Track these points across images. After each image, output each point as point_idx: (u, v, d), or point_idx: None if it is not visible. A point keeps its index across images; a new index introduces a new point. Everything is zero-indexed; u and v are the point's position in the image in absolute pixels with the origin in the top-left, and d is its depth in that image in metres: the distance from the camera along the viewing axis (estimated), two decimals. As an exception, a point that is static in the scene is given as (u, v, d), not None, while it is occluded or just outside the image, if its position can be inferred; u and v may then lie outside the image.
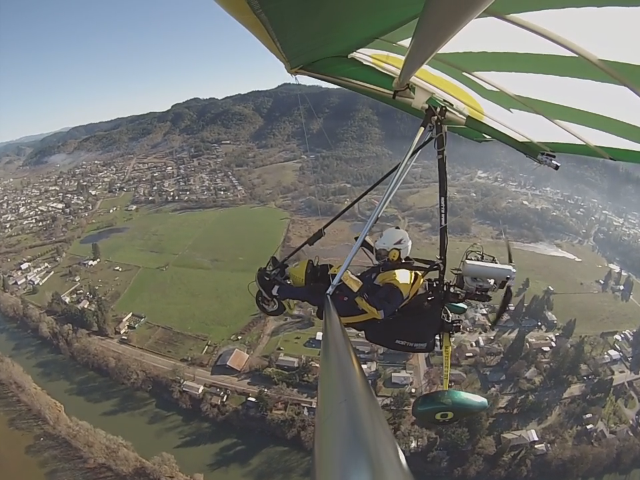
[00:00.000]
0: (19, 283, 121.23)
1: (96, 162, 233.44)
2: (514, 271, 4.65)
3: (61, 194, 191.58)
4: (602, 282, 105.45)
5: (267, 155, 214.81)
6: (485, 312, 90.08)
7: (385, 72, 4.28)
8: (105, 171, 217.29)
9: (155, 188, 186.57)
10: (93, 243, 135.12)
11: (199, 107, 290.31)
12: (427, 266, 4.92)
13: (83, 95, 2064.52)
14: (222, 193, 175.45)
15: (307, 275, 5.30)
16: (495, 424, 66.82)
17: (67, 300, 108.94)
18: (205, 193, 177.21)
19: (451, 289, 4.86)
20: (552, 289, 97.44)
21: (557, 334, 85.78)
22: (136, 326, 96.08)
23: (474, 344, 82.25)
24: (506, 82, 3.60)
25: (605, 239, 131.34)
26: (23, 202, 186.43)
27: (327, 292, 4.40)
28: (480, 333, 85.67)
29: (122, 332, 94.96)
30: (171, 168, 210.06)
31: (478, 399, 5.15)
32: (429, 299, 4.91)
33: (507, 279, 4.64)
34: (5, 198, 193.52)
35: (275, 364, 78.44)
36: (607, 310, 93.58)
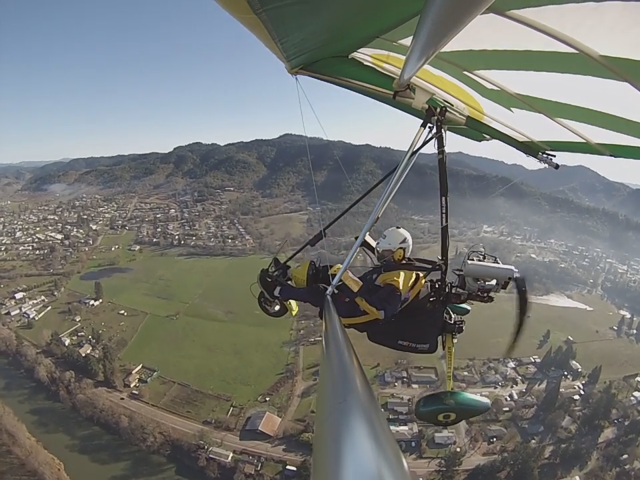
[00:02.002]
0: (12, 313, 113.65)
1: (97, 196, 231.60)
2: (516, 270, 4.56)
3: (60, 224, 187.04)
4: (616, 328, 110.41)
5: (273, 204, 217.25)
6: (514, 365, 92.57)
7: (386, 72, 4.29)
8: (106, 207, 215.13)
9: (159, 230, 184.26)
10: (95, 280, 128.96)
11: (201, 151, 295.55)
12: (429, 266, 4.94)
13: (84, 126, 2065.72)
14: (230, 240, 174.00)
15: (309, 276, 5.30)
16: (541, 475, 66.77)
17: (67, 342, 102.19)
18: (212, 239, 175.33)
19: (453, 290, 4.85)
20: (572, 338, 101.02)
21: (584, 382, 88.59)
22: (148, 380, 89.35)
23: (508, 398, 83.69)
24: (506, 80, 3.64)
25: (612, 287, 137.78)
26: (20, 227, 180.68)
27: (327, 292, 4.45)
28: (512, 387, 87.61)
29: (132, 385, 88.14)
30: (174, 210, 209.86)
31: (482, 400, 5.12)
32: (431, 299, 4.88)
33: (509, 279, 4.55)
34: (2, 220, 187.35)
35: (312, 428, 72.84)
36: (624, 354, 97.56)
